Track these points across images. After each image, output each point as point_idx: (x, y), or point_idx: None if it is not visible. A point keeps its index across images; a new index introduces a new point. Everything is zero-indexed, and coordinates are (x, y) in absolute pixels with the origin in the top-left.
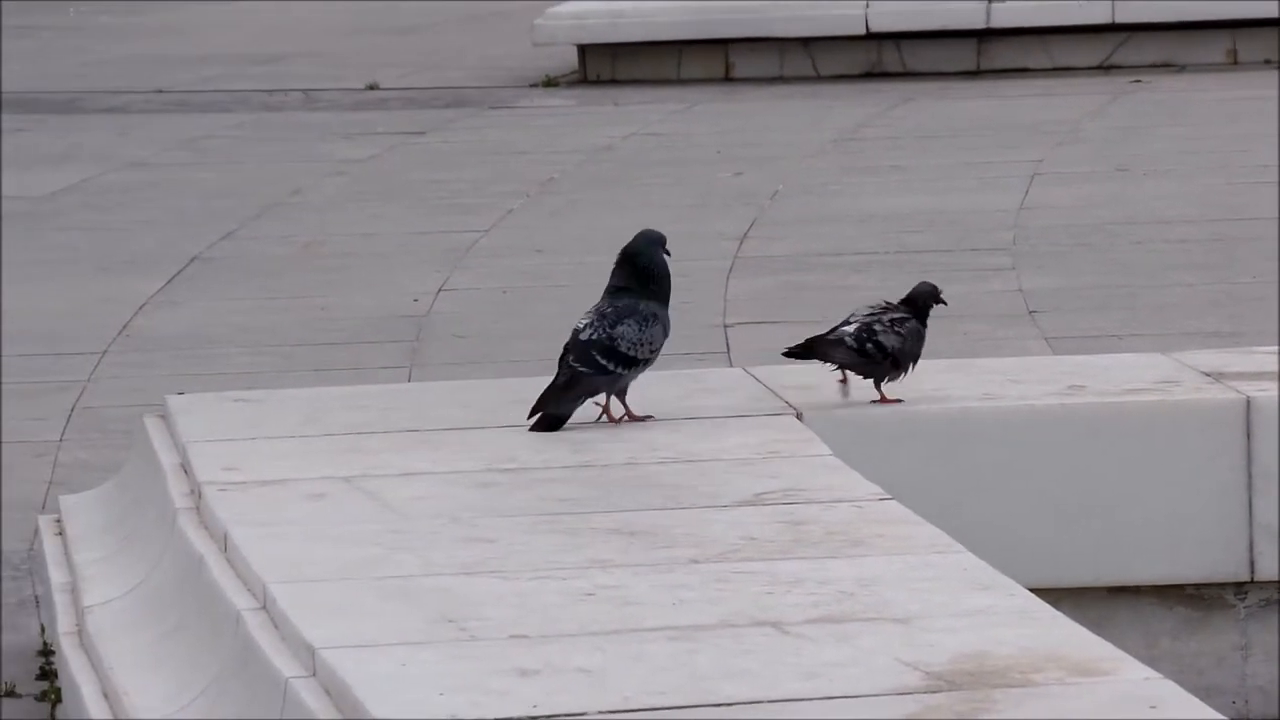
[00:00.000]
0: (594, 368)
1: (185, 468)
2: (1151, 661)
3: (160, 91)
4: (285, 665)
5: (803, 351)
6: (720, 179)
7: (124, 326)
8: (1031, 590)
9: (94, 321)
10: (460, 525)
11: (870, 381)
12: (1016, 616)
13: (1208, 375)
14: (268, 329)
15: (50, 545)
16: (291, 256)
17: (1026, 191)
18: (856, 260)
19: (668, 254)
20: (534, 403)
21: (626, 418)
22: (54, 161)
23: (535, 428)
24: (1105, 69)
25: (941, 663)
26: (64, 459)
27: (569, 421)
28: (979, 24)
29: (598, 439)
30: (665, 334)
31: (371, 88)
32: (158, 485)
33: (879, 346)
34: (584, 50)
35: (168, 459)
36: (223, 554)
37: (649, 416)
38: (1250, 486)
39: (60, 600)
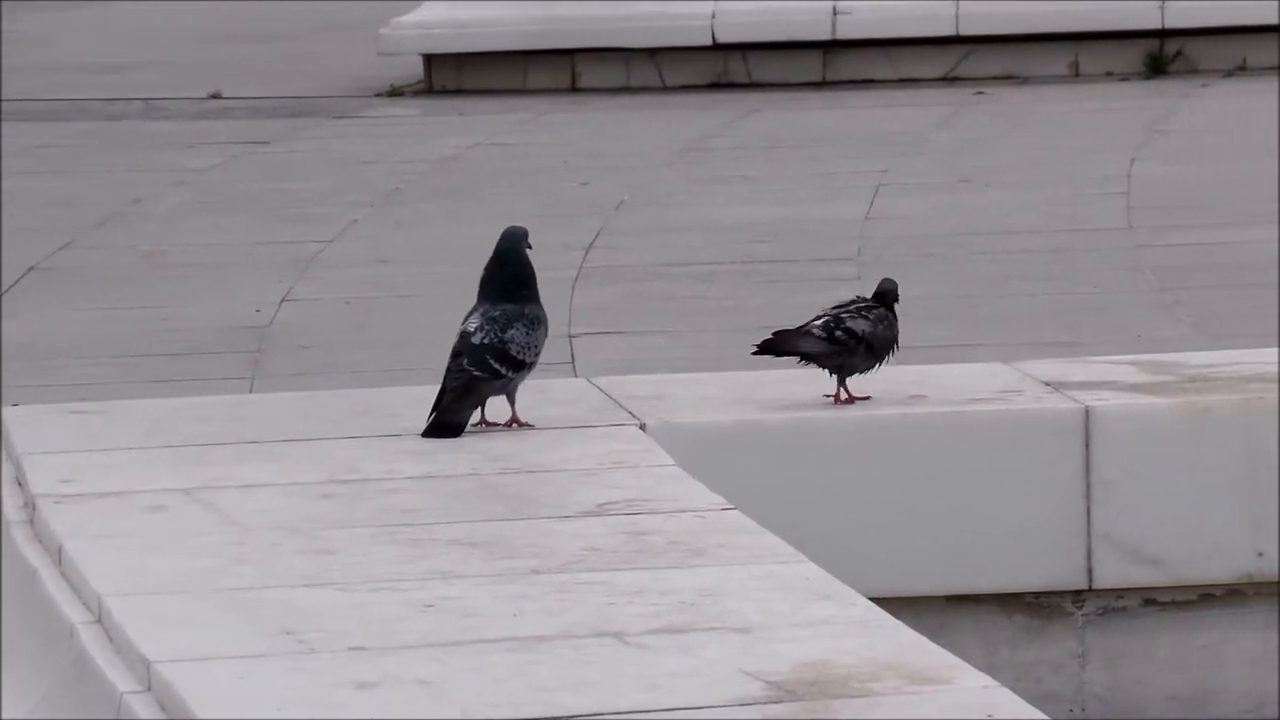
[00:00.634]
0: (488, 372)
1: (20, 480)
2: (991, 669)
3: None
4: (120, 679)
5: (770, 346)
6: (566, 189)
7: None
8: (873, 600)
9: None
10: (300, 537)
11: (835, 379)
12: (857, 626)
13: (1048, 385)
14: (108, 339)
15: None
16: (132, 266)
17: (871, 202)
18: (703, 270)
19: (529, 247)
20: (431, 410)
21: (514, 423)
22: None
23: (433, 435)
24: (949, 80)
25: (783, 672)
26: None
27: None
28: (825, 35)
29: (439, 449)
30: (546, 337)
31: (215, 96)
32: None
33: (849, 332)
34: (429, 60)
35: (2, 471)
36: (57, 566)
37: (530, 424)
38: (1089, 495)
39: None
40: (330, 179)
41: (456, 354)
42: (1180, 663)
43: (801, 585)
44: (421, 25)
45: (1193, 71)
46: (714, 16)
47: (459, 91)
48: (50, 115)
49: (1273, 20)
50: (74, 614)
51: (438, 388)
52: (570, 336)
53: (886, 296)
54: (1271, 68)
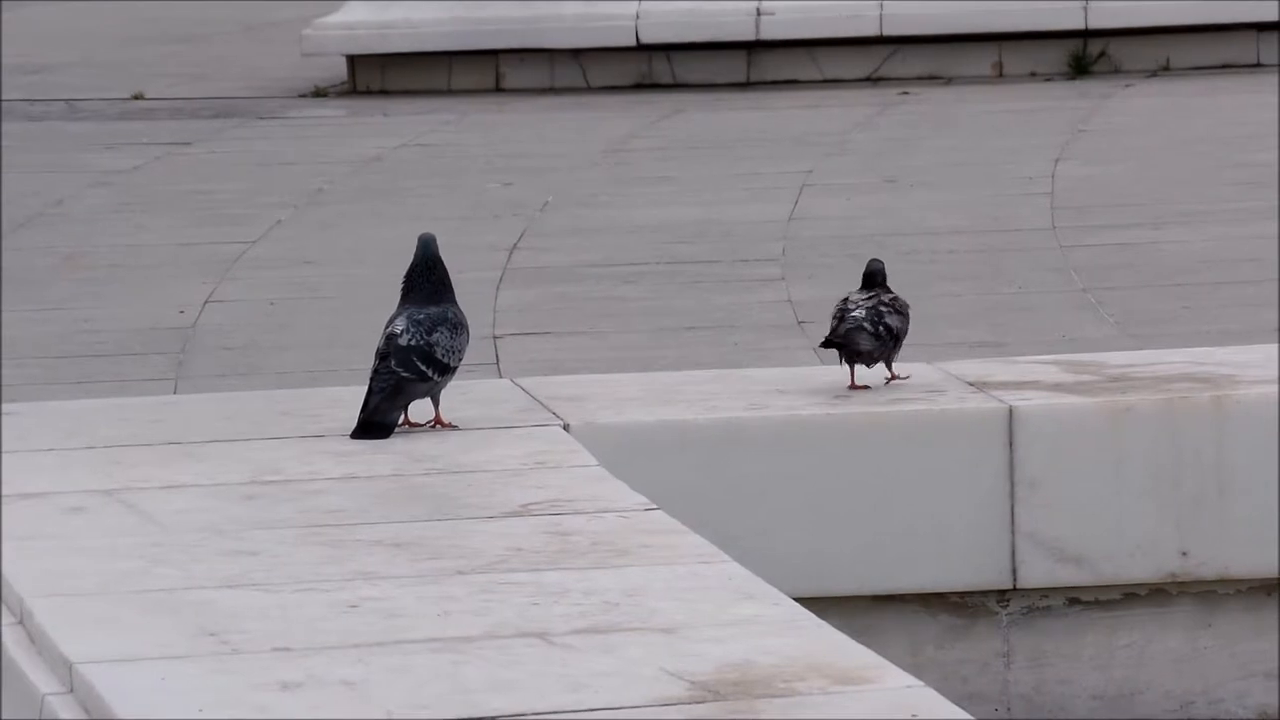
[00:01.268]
0: (415, 374)
1: None
2: (916, 669)
3: None
4: (42, 681)
5: (839, 341)
6: (490, 190)
7: None
8: (798, 599)
9: None
10: (223, 538)
11: (880, 365)
12: (781, 626)
13: (971, 385)
14: (29, 341)
15: None
16: (54, 268)
17: (796, 202)
18: (627, 271)
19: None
20: (360, 410)
21: (438, 424)
22: None
23: (362, 435)
24: (873, 81)
25: (706, 672)
26: None
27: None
28: (748, 36)
29: (363, 450)
30: (468, 341)
31: (137, 97)
32: None
33: (888, 329)
34: (353, 61)
35: None
36: None
37: (454, 425)
38: (1012, 495)
39: None
40: (254, 180)
41: (383, 356)
42: (1104, 662)
43: (725, 585)
44: (345, 26)
45: (1116, 72)
46: (638, 17)
47: (383, 92)
48: None
49: (1195, 20)
50: None
51: (362, 389)
52: (494, 337)
53: (877, 276)
54: (1194, 68)
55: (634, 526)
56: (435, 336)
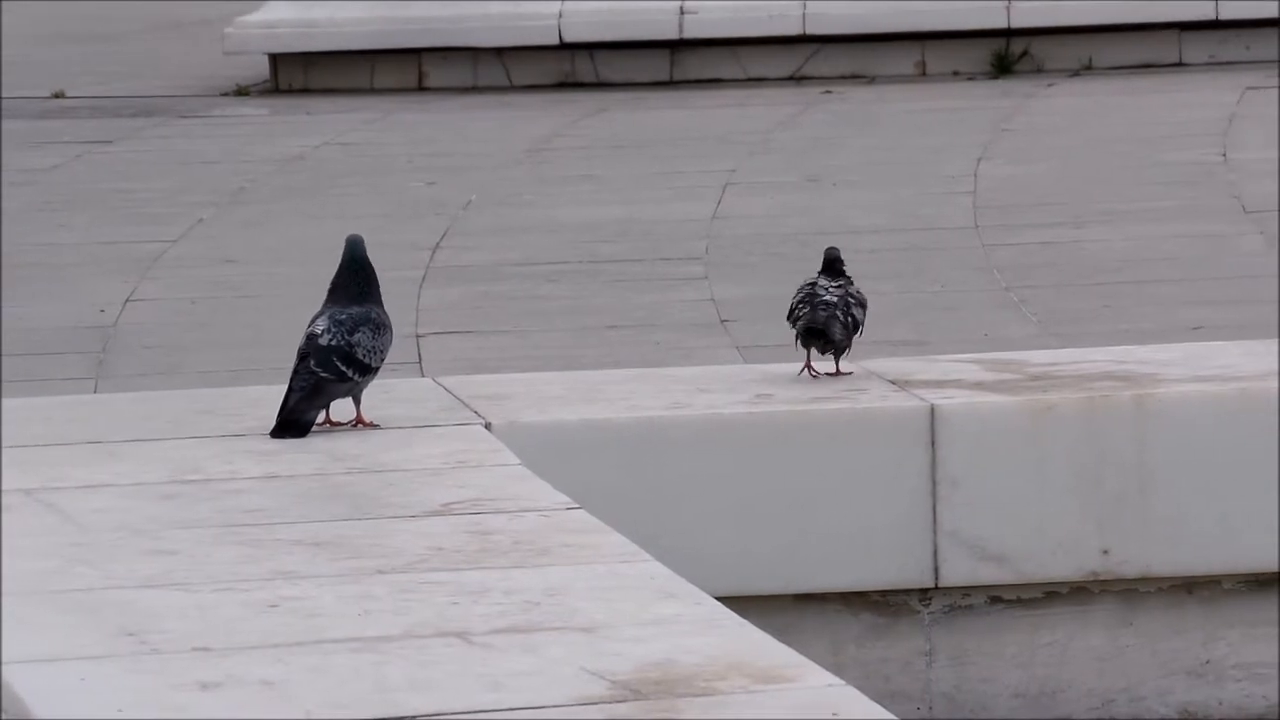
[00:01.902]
0: (335, 374)
1: None
2: (838, 668)
3: None
4: None
5: (821, 328)
6: (413, 189)
7: None
8: (719, 599)
9: None
10: (142, 537)
11: (829, 355)
12: (703, 625)
13: (893, 383)
14: None
15: None
16: None
17: (719, 201)
18: (549, 270)
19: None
20: (279, 409)
21: (359, 423)
22: None
23: (280, 434)
24: (796, 80)
25: (627, 672)
26: None
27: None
28: (672, 35)
29: (284, 449)
30: (391, 342)
31: (58, 96)
32: None
33: (854, 322)
34: (276, 59)
35: None
36: None
37: (375, 424)
38: (934, 493)
39: None
40: (175, 179)
41: (303, 356)
42: (1026, 660)
43: (646, 584)
44: (267, 25)
45: (1039, 71)
46: (561, 16)
47: (305, 91)
48: None
49: (1117, 20)
50: None
51: (283, 388)
52: (417, 336)
53: (836, 264)
54: (1116, 67)
55: (555, 526)
56: (357, 337)
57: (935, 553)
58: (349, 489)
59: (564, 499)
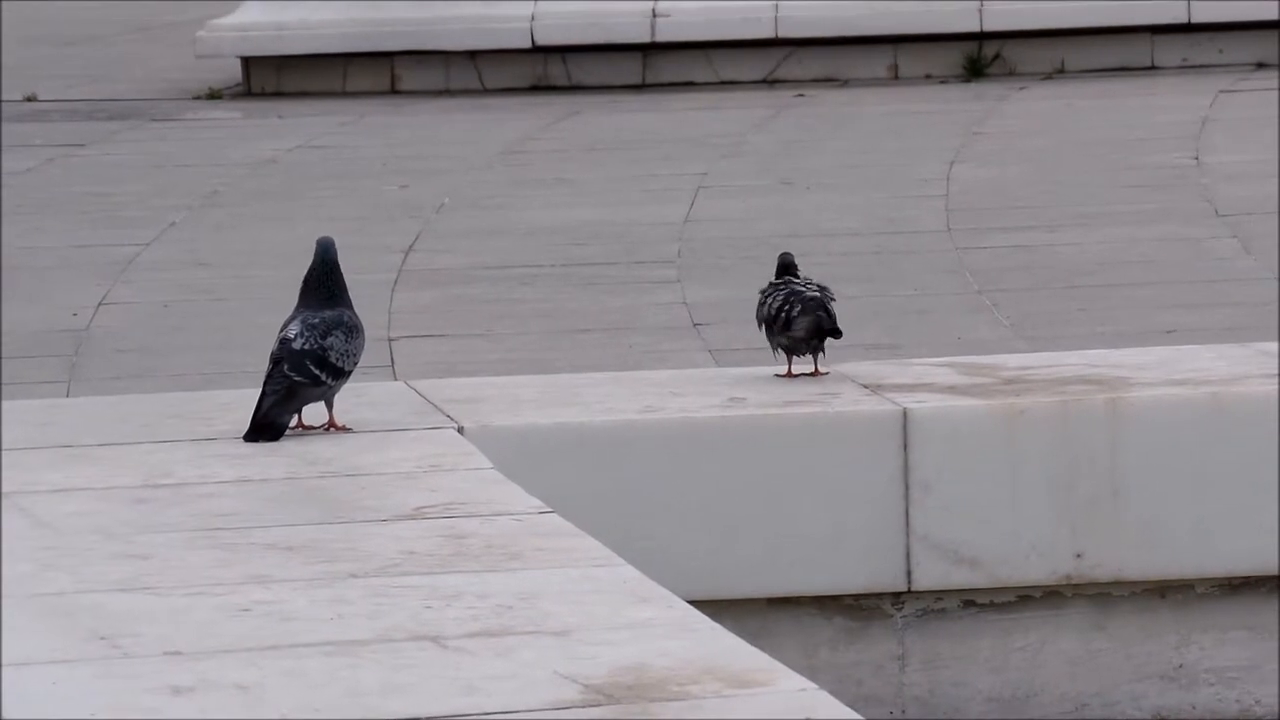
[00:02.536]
0: (308, 378)
1: None
2: (811, 672)
3: None
4: None
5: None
6: (386, 192)
7: None
8: (692, 603)
9: None
10: (115, 541)
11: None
12: (676, 629)
13: (866, 387)
14: None
15: None
16: None
17: (692, 204)
18: (523, 273)
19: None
20: (253, 414)
21: (331, 427)
22: None
23: (254, 438)
24: (769, 83)
25: (600, 676)
26: None
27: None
28: (644, 38)
29: (256, 453)
30: (363, 345)
31: (30, 99)
32: None
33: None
34: (248, 62)
35: None
36: None
37: (348, 428)
38: (907, 497)
39: None
40: (148, 182)
41: (276, 360)
42: (999, 664)
43: (619, 588)
44: (239, 28)
45: (1011, 74)
46: (533, 19)
47: (278, 94)
48: None
49: (1090, 23)
50: None
51: (256, 392)
52: (389, 339)
53: (793, 268)
54: (1089, 70)
55: (528, 530)
56: (330, 340)
57: (908, 556)
58: (322, 493)
59: (537, 503)
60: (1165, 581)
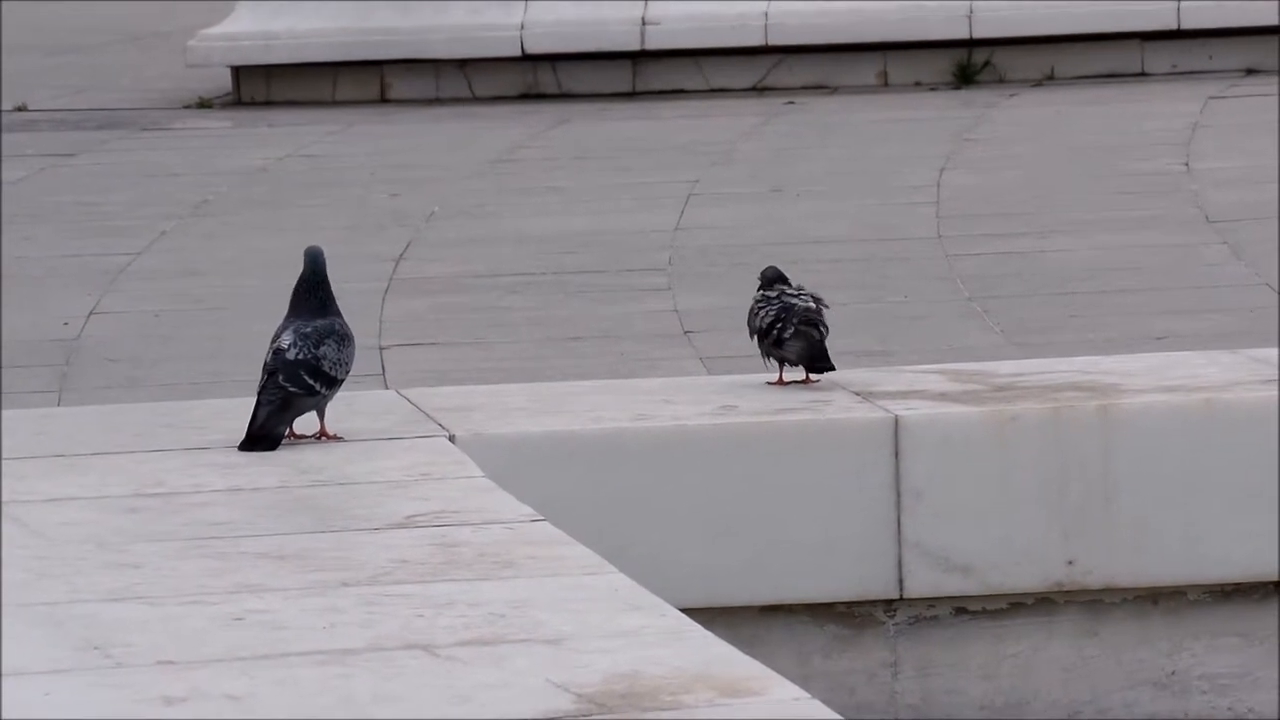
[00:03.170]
0: (303, 388)
1: None
2: (804, 680)
3: None
4: None
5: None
6: (376, 201)
7: None
8: (684, 611)
9: None
10: (107, 550)
11: (801, 372)
12: (668, 637)
13: (857, 394)
14: None
15: None
16: None
17: (682, 212)
18: (513, 281)
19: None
20: (249, 425)
21: (323, 436)
22: None
23: (250, 448)
24: (759, 90)
25: (593, 684)
26: None
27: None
28: (634, 46)
29: (247, 462)
30: (354, 353)
31: (20, 109)
32: None
33: (826, 329)
34: (238, 72)
35: None
36: None
37: (339, 436)
38: (899, 505)
39: None
40: (138, 191)
41: (271, 371)
42: (992, 671)
43: (611, 596)
44: (229, 37)
45: (1001, 81)
46: (523, 28)
47: (268, 103)
48: None
49: (1080, 30)
50: None
51: (248, 400)
52: (380, 348)
53: (779, 281)
54: (1079, 77)
55: (520, 538)
56: (322, 350)
57: (900, 564)
58: (313, 502)
59: (528, 511)
60: (1157, 588)
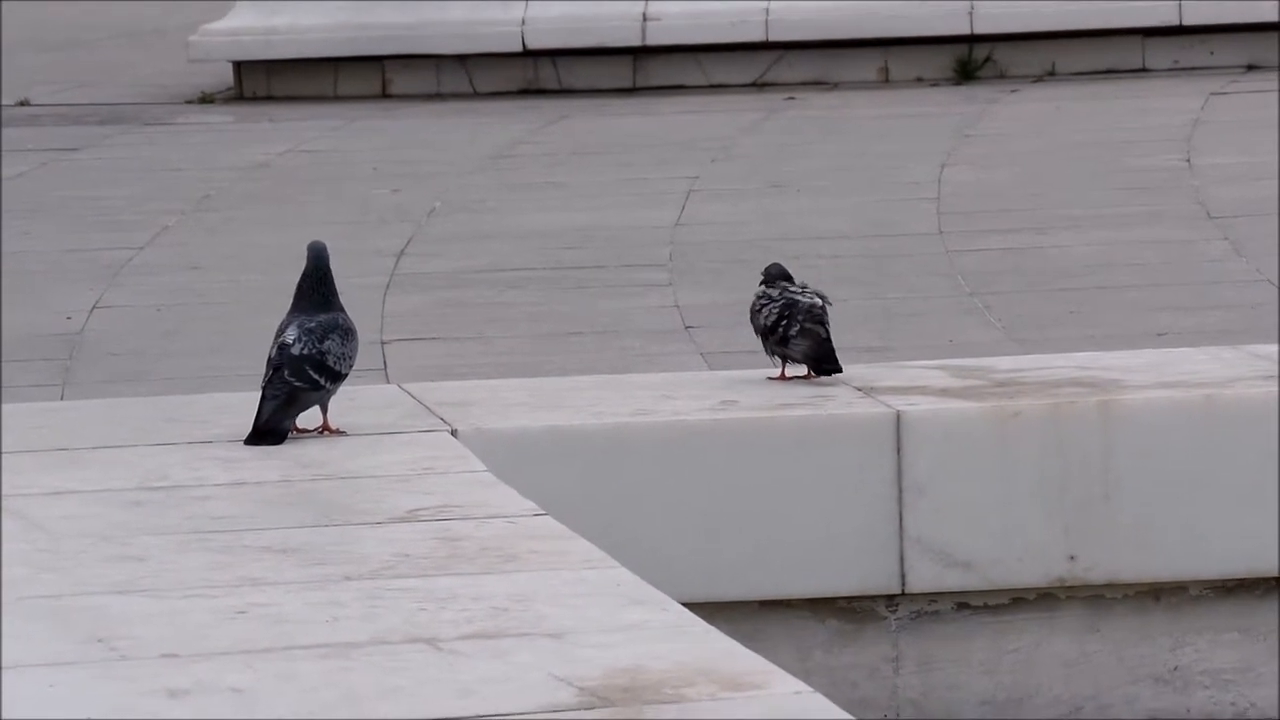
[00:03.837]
0: (308, 382)
1: None
2: (805, 674)
3: None
4: None
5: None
6: (377, 196)
7: None
8: (686, 605)
9: None
10: (110, 544)
11: (805, 367)
12: (670, 631)
13: (859, 390)
14: None
15: None
16: None
17: (683, 207)
18: (514, 276)
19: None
20: (255, 419)
21: (325, 430)
22: None
23: (256, 442)
24: (759, 86)
25: (595, 678)
26: None
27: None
28: (635, 41)
29: (250, 456)
30: (358, 348)
31: (23, 104)
32: None
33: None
34: (239, 67)
35: None
36: None
37: (342, 431)
38: (900, 500)
39: None
40: (141, 186)
41: (276, 366)
42: (993, 666)
43: (613, 591)
44: (231, 33)
45: (1002, 77)
46: (524, 23)
47: (269, 98)
48: None
49: (1081, 26)
50: None
51: (250, 395)
52: (382, 343)
53: (783, 278)
54: (1080, 73)
55: (522, 532)
56: (327, 344)
57: (901, 559)
58: (316, 496)
59: (530, 505)
60: (1159, 584)
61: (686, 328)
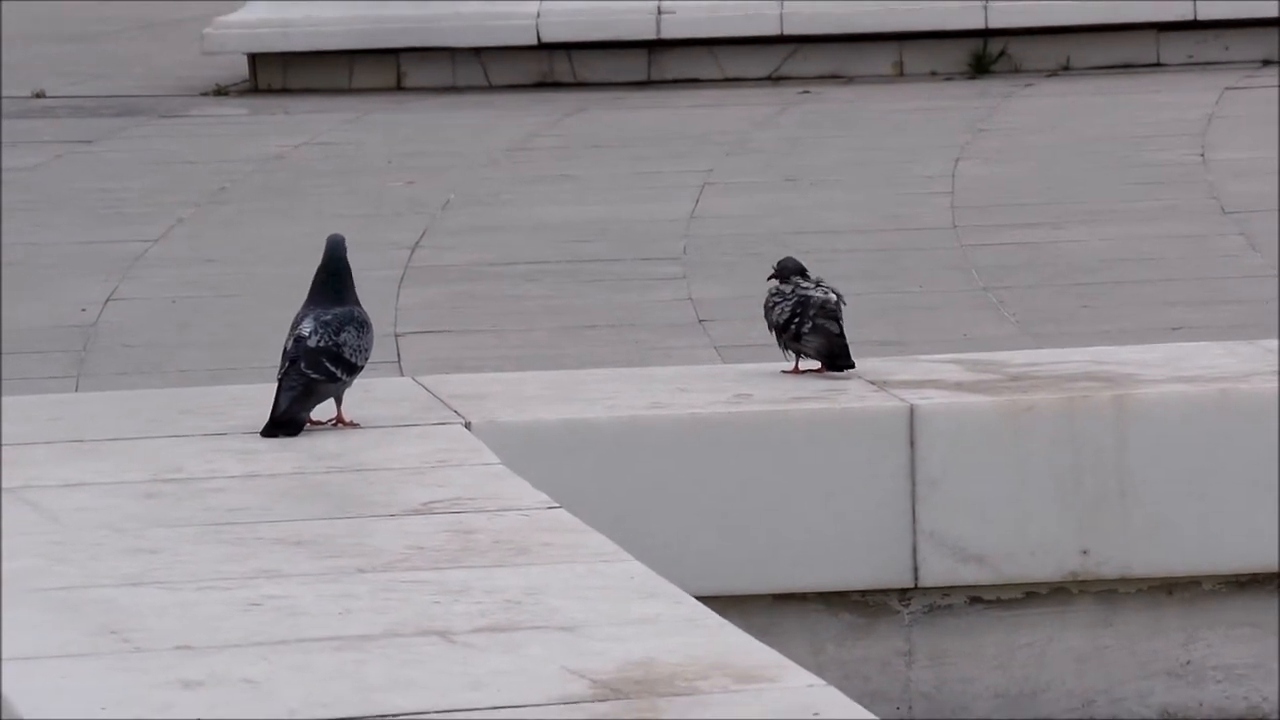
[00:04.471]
0: (324, 374)
1: None
2: (817, 668)
3: None
4: None
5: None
6: (392, 188)
7: None
8: (699, 598)
9: None
10: (124, 536)
11: (818, 362)
12: (683, 624)
13: (872, 384)
14: None
15: None
16: None
17: (697, 201)
18: (528, 269)
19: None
20: (271, 411)
21: (339, 423)
22: None
23: (273, 434)
24: (774, 80)
25: (608, 671)
26: None
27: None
28: (649, 35)
29: (265, 449)
30: (373, 340)
31: (38, 96)
32: None
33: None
34: (255, 59)
35: None
36: None
37: (356, 423)
38: (914, 494)
39: None
40: (155, 178)
41: (293, 358)
42: (1006, 661)
43: (626, 584)
44: (246, 25)
45: (1016, 71)
46: (539, 16)
47: (284, 91)
48: None
49: (1095, 20)
50: None
51: (264, 387)
52: (396, 335)
53: (799, 273)
54: (1094, 67)
55: (536, 525)
56: (343, 337)
57: (915, 553)
58: (330, 488)
59: (544, 498)
60: (1172, 578)
61: (700, 321)
